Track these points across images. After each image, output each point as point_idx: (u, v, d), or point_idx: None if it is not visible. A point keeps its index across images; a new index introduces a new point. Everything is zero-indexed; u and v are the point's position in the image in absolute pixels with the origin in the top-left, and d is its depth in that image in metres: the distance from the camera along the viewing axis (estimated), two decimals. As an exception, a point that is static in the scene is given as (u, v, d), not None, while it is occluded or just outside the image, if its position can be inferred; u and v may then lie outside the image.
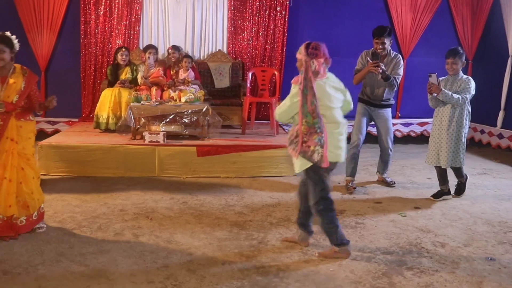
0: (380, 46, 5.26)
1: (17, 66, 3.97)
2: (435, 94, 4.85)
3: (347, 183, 5.48)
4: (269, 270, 3.41)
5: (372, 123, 5.64)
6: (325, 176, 3.54)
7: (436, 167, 5.13)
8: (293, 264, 3.51)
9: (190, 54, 7.47)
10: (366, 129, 5.57)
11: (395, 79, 5.29)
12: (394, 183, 5.69)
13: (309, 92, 3.38)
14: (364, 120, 5.52)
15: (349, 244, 3.66)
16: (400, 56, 5.43)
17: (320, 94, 3.40)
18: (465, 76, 4.94)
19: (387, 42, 5.30)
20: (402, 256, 3.72)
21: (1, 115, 3.85)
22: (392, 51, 5.43)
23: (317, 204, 3.54)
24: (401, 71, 5.37)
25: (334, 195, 5.15)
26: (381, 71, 5.12)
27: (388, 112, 5.54)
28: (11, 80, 3.86)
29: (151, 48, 7.12)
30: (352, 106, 3.70)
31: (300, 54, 3.47)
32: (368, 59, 5.26)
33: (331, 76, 3.53)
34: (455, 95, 4.81)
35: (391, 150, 5.59)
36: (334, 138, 3.49)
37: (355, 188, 5.44)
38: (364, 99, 5.54)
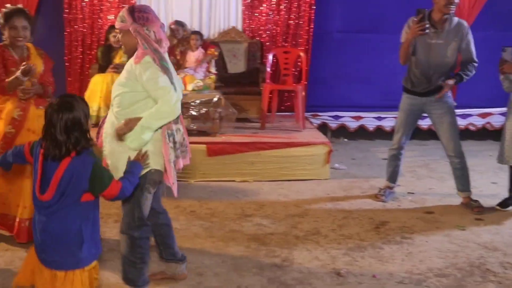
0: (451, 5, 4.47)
1: (29, 45, 4.04)
2: (509, 74, 4.70)
3: (380, 189, 5.33)
4: (295, 295, 3.41)
5: (425, 114, 5.12)
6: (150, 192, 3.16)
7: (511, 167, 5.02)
8: (324, 287, 3.50)
9: (198, 32, 7.51)
10: (413, 128, 5.14)
11: (472, 67, 4.75)
12: (481, 208, 4.98)
13: (169, 65, 3.10)
14: (410, 119, 5.00)
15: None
16: (467, 24, 4.79)
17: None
18: None
19: None
20: (462, 279, 3.68)
21: (19, 103, 3.89)
22: (455, 17, 4.74)
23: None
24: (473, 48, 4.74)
25: (374, 203, 5.19)
26: (427, 30, 4.45)
27: (448, 100, 4.86)
28: (30, 62, 3.88)
29: None
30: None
31: (124, 23, 3.03)
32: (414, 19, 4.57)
33: None
34: None
35: (460, 156, 4.99)
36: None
37: (383, 196, 5.22)
38: (408, 89, 4.90)
